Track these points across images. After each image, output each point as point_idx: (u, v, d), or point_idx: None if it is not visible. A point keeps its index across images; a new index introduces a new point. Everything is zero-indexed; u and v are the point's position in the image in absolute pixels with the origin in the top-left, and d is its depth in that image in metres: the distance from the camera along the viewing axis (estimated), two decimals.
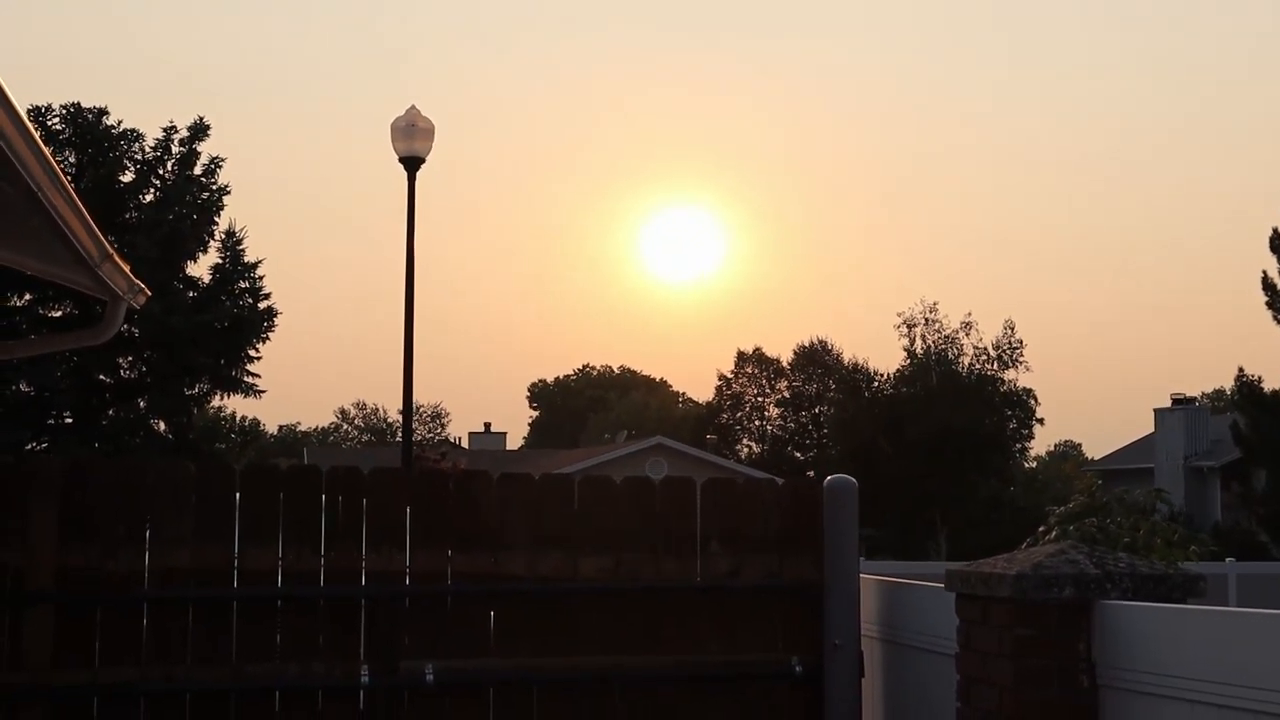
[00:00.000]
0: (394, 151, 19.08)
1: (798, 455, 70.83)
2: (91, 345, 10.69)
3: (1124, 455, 55.10)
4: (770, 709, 6.61)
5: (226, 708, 6.16)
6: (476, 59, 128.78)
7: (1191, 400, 52.44)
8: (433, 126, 19.18)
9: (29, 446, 35.40)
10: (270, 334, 39.32)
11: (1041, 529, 11.23)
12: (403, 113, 19.08)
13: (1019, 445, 59.62)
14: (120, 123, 39.12)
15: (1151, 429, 52.00)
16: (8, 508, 6.03)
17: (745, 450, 73.21)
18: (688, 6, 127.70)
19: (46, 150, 5.60)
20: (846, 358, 66.74)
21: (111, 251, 7.15)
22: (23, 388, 36.36)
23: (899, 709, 6.68)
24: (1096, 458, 62.37)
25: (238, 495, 6.29)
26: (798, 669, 6.59)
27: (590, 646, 6.49)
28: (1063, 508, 11.83)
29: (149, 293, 8.57)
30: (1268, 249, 34.15)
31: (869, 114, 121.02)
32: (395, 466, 7.01)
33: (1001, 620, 5.10)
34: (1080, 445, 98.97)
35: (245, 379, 38.94)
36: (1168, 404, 51.47)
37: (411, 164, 19.01)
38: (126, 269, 7.71)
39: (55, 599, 6.05)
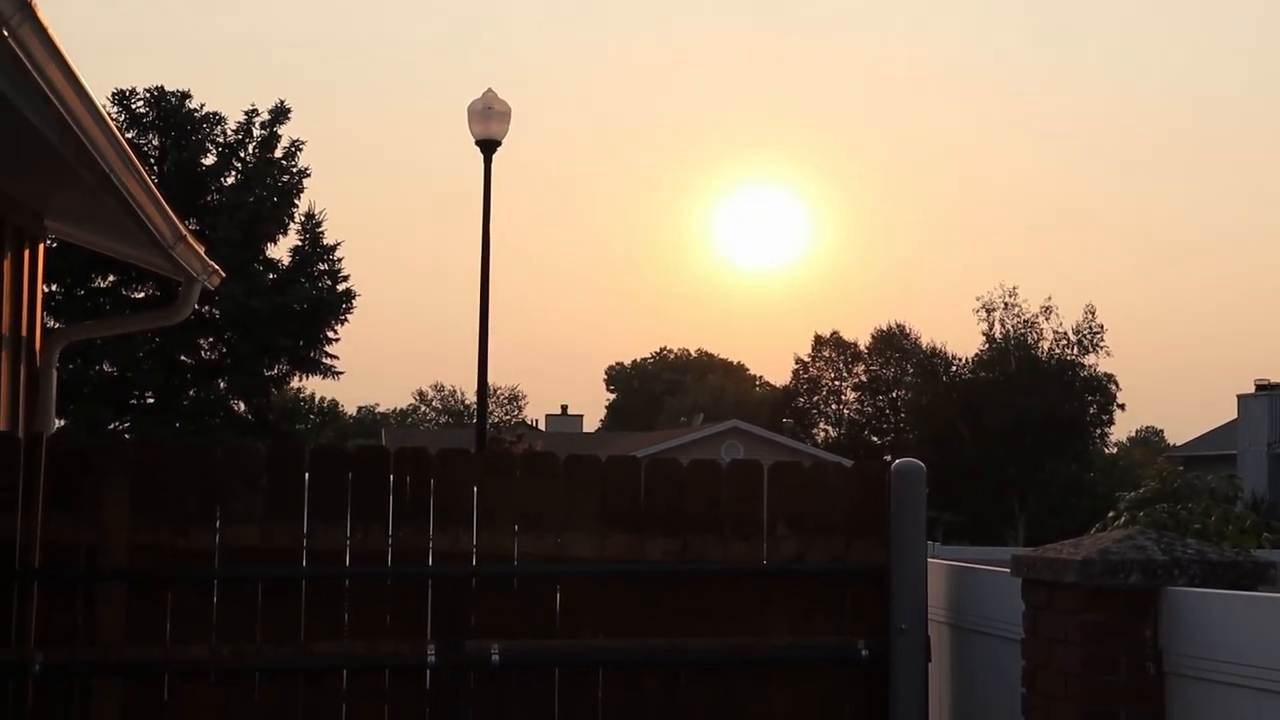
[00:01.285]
0: (470, 135, 19.16)
1: (875, 440, 70.56)
2: (166, 325, 10.84)
3: (1207, 441, 54.47)
4: (836, 692, 6.59)
5: (295, 685, 6.22)
6: (554, 40, 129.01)
7: (1276, 386, 51.67)
8: (509, 109, 19.23)
9: (111, 426, 35.91)
10: (349, 316, 39.70)
11: (1111, 515, 11.13)
12: (479, 95, 19.14)
13: (1099, 431, 59.11)
14: (203, 106, 39.64)
15: (1234, 415, 51.35)
16: (82, 485, 6.11)
17: (822, 434, 73.04)
18: None
19: (120, 136, 5.67)
20: (924, 342, 66.36)
21: (185, 233, 7.24)
22: (106, 368, 36.91)
23: (965, 694, 6.65)
24: (1179, 444, 61.68)
25: (307, 475, 6.34)
26: (864, 653, 6.56)
27: (656, 628, 6.50)
28: (1133, 494, 11.72)
29: (223, 274, 8.66)
30: None
31: (948, 95, 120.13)
32: (463, 448, 7.04)
33: (1067, 606, 5.06)
34: (1163, 431, 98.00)
35: (324, 360, 39.34)
36: (1251, 390, 50.80)
37: (488, 147, 19.09)
38: (200, 250, 7.80)
39: (128, 576, 6.13)
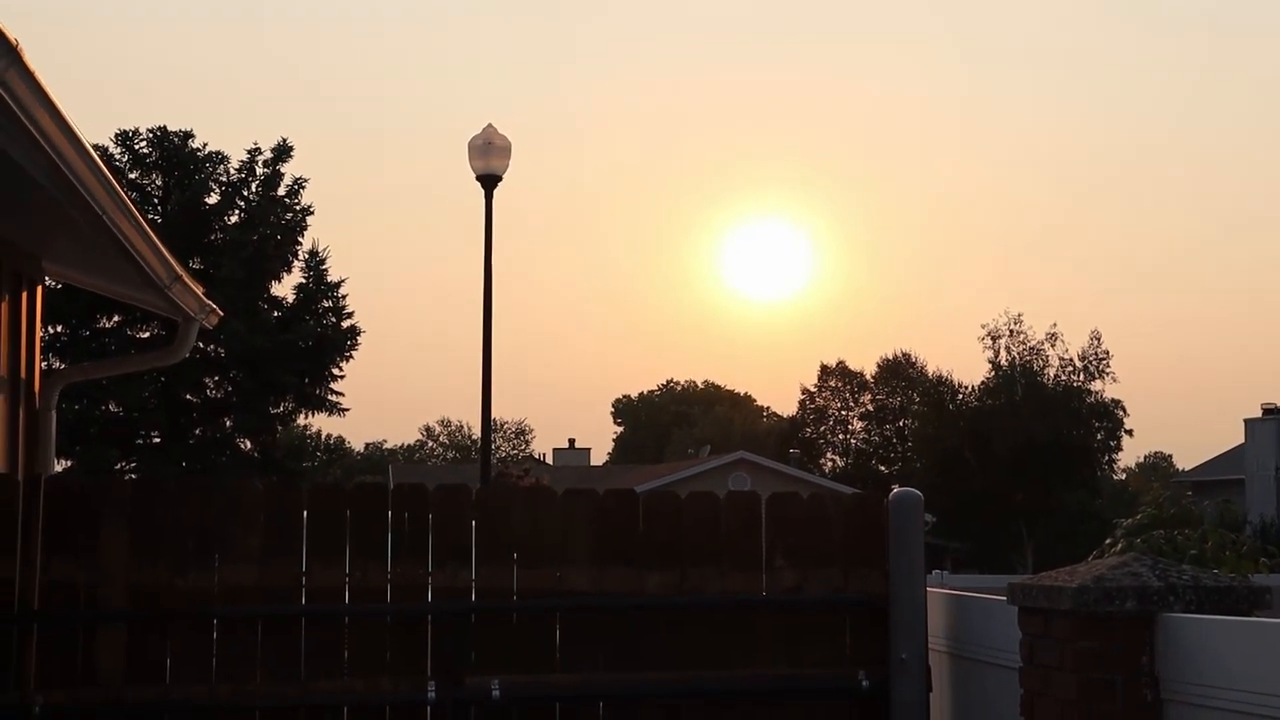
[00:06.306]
0: (471, 170, 19.18)
1: (882, 469, 70.50)
2: (165, 365, 10.88)
3: (1215, 466, 54.39)
4: None
5: None
6: (554, 74, 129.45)
7: None
8: (509, 144, 19.22)
9: (117, 466, 35.92)
10: (354, 352, 39.74)
11: (1108, 541, 11.12)
12: (479, 131, 19.17)
13: (1107, 457, 59.01)
14: (205, 145, 39.78)
15: (1242, 439, 51.27)
16: (80, 526, 6.13)
17: (829, 464, 72.95)
18: (767, 15, 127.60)
19: (111, 178, 5.70)
20: (930, 370, 66.35)
21: (181, 272, 7.26)
22: (111, 408, 36.94)
23: None
24: (1188, 468, 61.56)
25: (305, 513, 6.35)
26: (864, 683, 6.54)
27: (655, 662, 6.48)
28: (1130, 520, 11.71)
29: (221, 313, 8.69)
30: None
31: (949, 124, 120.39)
32: (461, 483, 7.04)
33: (1063, 634, 5.05)
34: (1171, 456, 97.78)
35: (329, 397, 39.36)
36: (1258, 414, 50.73)
37: (489, 182, 19.08)
38: (198, 290, 7.82)
39: (127, 616, 6.13)
